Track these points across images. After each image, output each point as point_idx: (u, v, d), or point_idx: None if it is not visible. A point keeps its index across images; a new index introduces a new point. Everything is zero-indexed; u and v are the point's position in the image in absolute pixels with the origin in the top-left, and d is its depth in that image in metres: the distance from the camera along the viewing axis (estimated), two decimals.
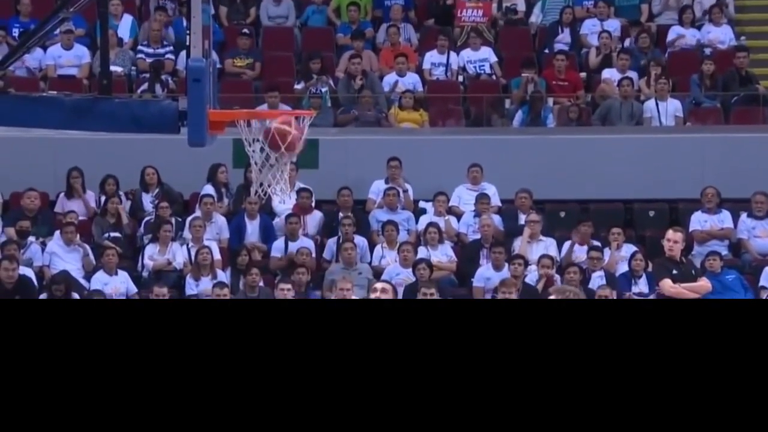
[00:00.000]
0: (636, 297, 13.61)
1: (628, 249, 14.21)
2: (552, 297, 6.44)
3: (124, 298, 13.58)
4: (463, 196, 15.09)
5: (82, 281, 13.70)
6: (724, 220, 14.65)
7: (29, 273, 13.31)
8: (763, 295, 13.49)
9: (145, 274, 14.07)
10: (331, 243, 14.43)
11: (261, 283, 13.57)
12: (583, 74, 16.98)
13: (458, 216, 14.97)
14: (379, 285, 7.92)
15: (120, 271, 13.72)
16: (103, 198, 14.78)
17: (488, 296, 13.44)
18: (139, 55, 16.70)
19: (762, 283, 13.73)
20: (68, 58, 16.54)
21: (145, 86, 15.98)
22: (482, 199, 14.78)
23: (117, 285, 13.59)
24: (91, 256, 13.96)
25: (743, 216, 14.64)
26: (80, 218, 14.56)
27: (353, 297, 12.68)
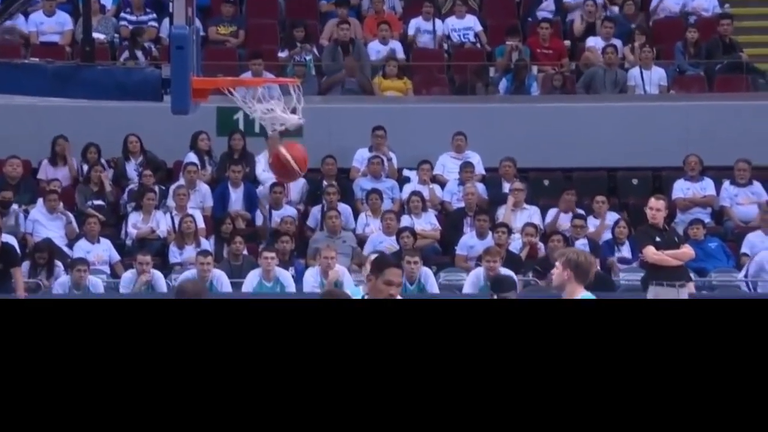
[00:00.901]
0: (619, 264, 13.68)
1: (612, 217, 14.26)
2: (557, 262, 6.49)
3: (107, 266, 13.59)
4: (447, 165, 15.10)
5: (65, 249, 13.69)
6: (706, 187, 14.70)
7: (12, 241, 13.28)
8: (745, 262, 13.56)
9: (128, 242, 14.06)
10: (316, 211, 14.43)
11: (245, 251, 13.58)
12: (567, 42, 16.96)
13: (442, 184, 14.98)
14: (374, 257, 7.89)
15: (103, 239, 13.71)
16: (85, 166, 14.74)
17: (472, 264, 13.47)
18: (122, 23, 16.61)
19: (744, 250, 13.79)
20: (50, 24, 16.44)
21: (127, 53, 15.90)
22: (466, 167, 14.79)
23: (100, 253, 13.58)
24: (74, 224, 13.94)
25: (726, 183, 14.70)
26: (63, 186, 14.53)
27: (337, 265, 12.71)
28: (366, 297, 6.47)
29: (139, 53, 15.77)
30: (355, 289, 7.75)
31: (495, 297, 7.97)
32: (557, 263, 6.49)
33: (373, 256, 7.94)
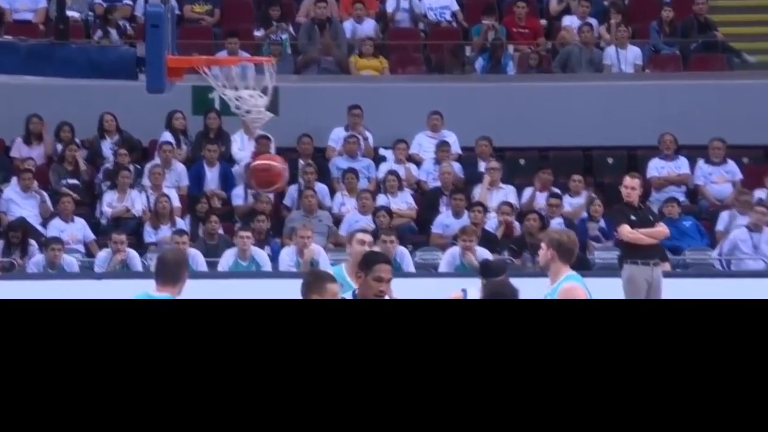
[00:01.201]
0: (594, 243, 13.73)
1: (584, 194, 14.31)
2: (542, 243, 6.58)
3: (82, 245, 13.54)
4: (423, 144, 15.10)
5: (39, 228, 13.64)
6: (681, 166, 14.76)
7: None
8: (719, 240, 13.64)
9: (103, 221, 14.02)
10: (292, 190, 14.41)
11: (220, 231, 13.56)
12: (543, 21, 16.96)
13: (418, 163, 14.99)
14: (359, 235, 7.82)
15: (77, 218, 13.67)
16: (59, 145, 14.67)
17: (448, 243, 13.49)
18: (96, 0, 16.49)
19: (718, 227, 13.87)
20: (24, 2, 16.30)
21: (100, 32, 15.80)
22: (442, 146, 14.80)
23: (74, 232, 13.54)
24: (49, 203, 13.88)
25: (700, 162, 14.76)
26: (37, 164, 14.46)
27: (313, 244, 12.71)
28: (356, 293, 6.43)
29: (112, 31, 15.67)
30: (336, 268, 7.71)
31: (484, 281, 7.96)
32: (542, 243, 6.59)
33: (360, 236, 7.84)
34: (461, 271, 12.44)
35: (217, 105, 14.74)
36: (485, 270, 8.11)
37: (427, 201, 14.43)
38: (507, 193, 14.34)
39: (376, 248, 12.50)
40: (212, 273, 12.68)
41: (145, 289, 6.20)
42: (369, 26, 16.55)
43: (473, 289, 6.88)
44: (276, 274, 12.56)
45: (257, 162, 7.87)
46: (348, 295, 6.41)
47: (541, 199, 14.17)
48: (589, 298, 6.55)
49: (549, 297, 6.56)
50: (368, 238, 7.80)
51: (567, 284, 6.51)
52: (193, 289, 6.29)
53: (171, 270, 6.17)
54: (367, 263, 6.29)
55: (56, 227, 13.48)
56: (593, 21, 16.56)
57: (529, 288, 7.11)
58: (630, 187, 10.94)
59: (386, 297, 6.34)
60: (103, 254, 12.93)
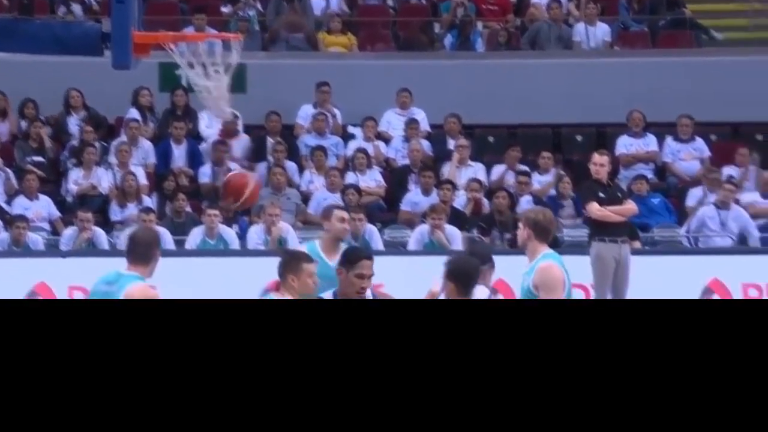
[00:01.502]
0: (563, 221, 13.74)
1: (553, 171, 14.31)
2: (519, 223, 6.61)
3: (47, 222, 13.42)
4: (392, 121, 15.06)
5: (4, 205, 13.51)
6: (649, 143, 14.79)
7: None
8: (689, 214, 13.68)
9: (69, 198, 13.90)
10: (261, 168, 14.33)
11: (188, 209, 13.48)
12: None
13: (387, 141, 14.94)
14: (338, 212, 7.73)
15: (42, 196, 13.55)
16: (23, 122, 14.52)
17: (416, 220, 13.47)
18: None
19: (688, 203, 13.91)
20: None
21: (64, 8, 15.62)
22: (411, 123, 14.76)
23: (38, 209, 13.42)
24: (13, 180, 13.75)
25: (669, 139, 14.80)
26: (2, 141, 14.32)
27: (281, 222, 12.65)
28: (336, 291, 6.33)
29: (77, 7, 15.49)
30: (310, 245, 7.61)
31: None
32: (519, 223, 6.64)
33: (339, 213, 7.72)
34: (430, 248, 12.42)
35: (184, 82, 14.60)
36: (468, 251, 8.06)
37: (396, 179, 14.39)
38: (476, 170, 14.32)
39: None
40: (179, 251, 12.60)
41: (116, 267, 6.14)
42: (337, 2, 16.45)
43: None
44: (244, 252, 12.50)
45: (232, 175, 7.79)
46: (329, 295, 6.30)
47: (510, 177, 14.16)
48: (565, 275, 6.56)
49: (526, 275, 6.59)
50: (347, 215, 7.74)
51: (544, 263, 6.53)
52: (160, 268, 6.23)
53: (141, 249, 6.09)
54: (349, 260, 6.18)
55: (21, 205, 13.36)
56: None
57: (499, 265, 7.11)
58: (599, 164, 10.94)
59: (368, 292, 6.26)
60: (68, 232, 12.82)
